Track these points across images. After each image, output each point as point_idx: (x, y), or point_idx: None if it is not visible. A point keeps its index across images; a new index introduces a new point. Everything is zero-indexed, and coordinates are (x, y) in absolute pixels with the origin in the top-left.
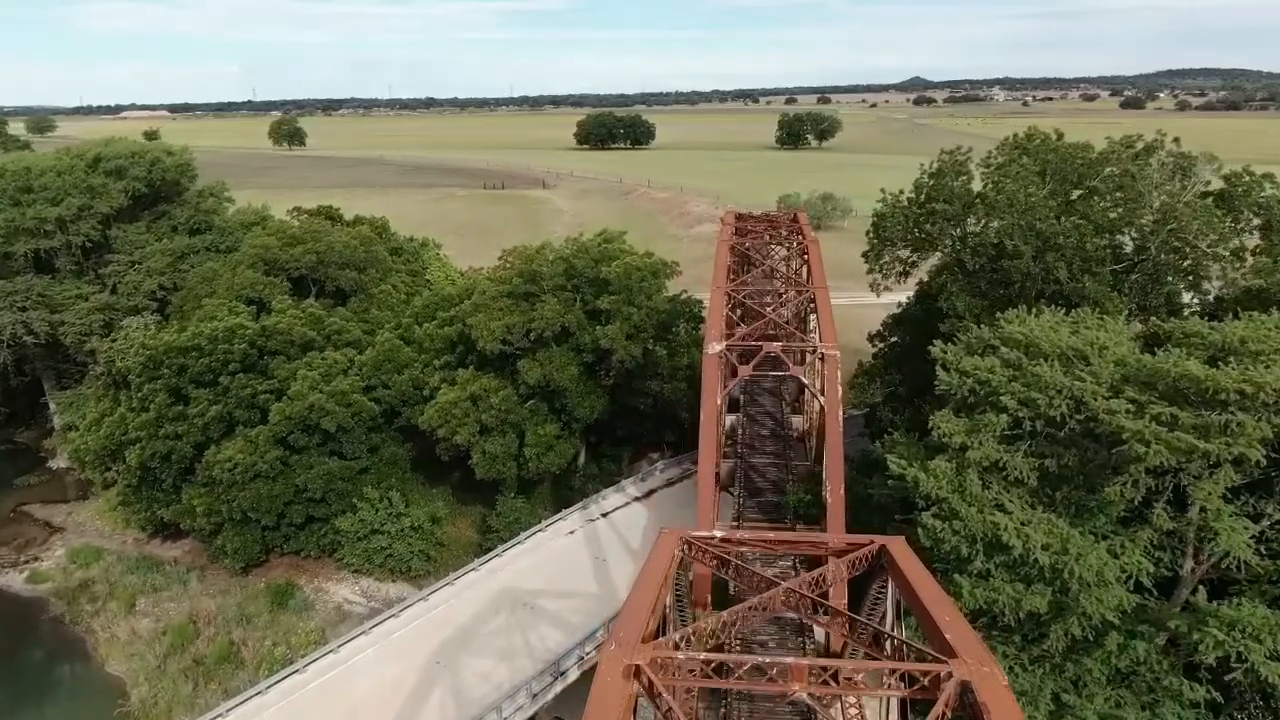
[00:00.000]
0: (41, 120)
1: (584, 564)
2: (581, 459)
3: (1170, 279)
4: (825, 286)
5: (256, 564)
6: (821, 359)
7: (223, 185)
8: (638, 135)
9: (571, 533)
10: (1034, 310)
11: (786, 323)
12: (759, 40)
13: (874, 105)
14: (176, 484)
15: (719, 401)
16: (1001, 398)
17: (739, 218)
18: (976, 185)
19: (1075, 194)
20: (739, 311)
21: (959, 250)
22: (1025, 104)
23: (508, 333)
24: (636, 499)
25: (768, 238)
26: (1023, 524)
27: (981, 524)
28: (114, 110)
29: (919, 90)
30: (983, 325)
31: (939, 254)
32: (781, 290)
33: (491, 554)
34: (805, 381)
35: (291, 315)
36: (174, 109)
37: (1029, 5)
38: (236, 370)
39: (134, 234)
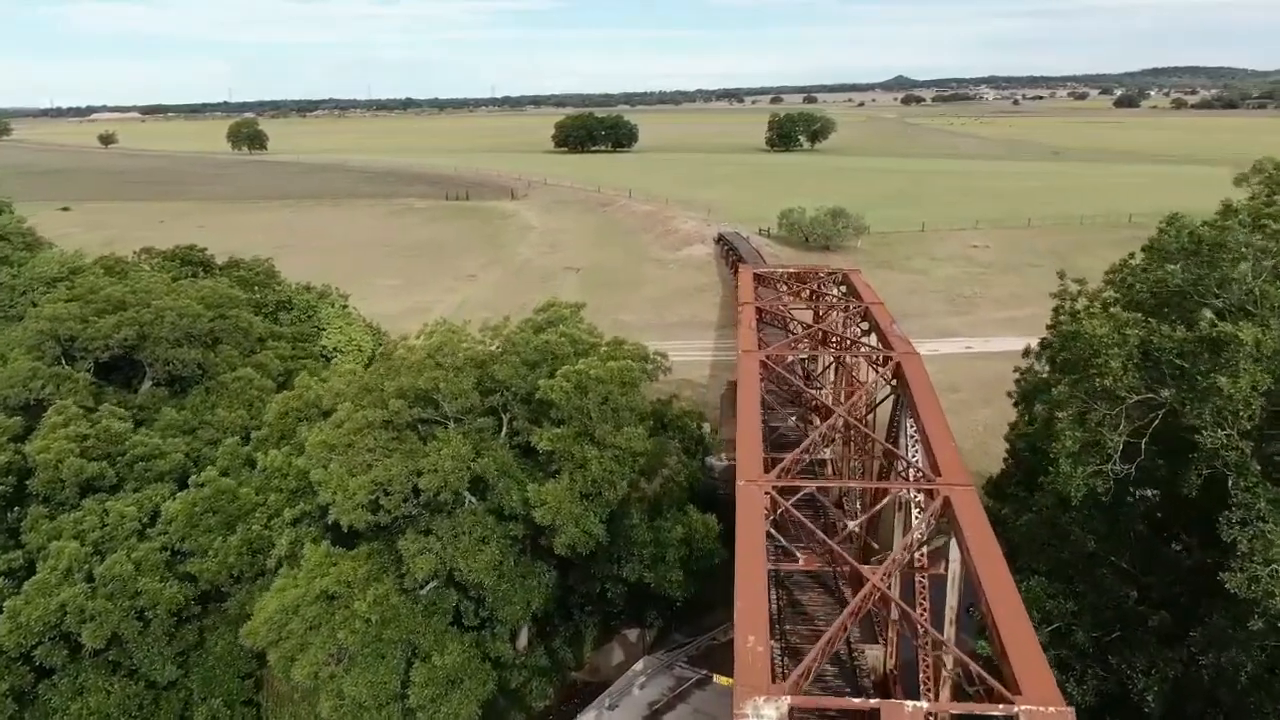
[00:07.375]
0: None
1: None
2: (523, 640)
3: None
4: (970, 484)
5: None
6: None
7: (17, 222)
8: (619, 137)
9: None
10: None
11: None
12: (744, 40)
13: (861, 104)
14: None
15: None
16: None
17: (759, 280)
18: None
19: None
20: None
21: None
22: (1015, 102)
23: (381, 493)
24: None
25: (811, 311)
26: None
27: None
28: (83, 112)
29: (904, 89)
30: None
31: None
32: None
33: None
34: None
35: (67, 436)
36: (146, 110)
37: (1010, 4)
38: None
39: None
